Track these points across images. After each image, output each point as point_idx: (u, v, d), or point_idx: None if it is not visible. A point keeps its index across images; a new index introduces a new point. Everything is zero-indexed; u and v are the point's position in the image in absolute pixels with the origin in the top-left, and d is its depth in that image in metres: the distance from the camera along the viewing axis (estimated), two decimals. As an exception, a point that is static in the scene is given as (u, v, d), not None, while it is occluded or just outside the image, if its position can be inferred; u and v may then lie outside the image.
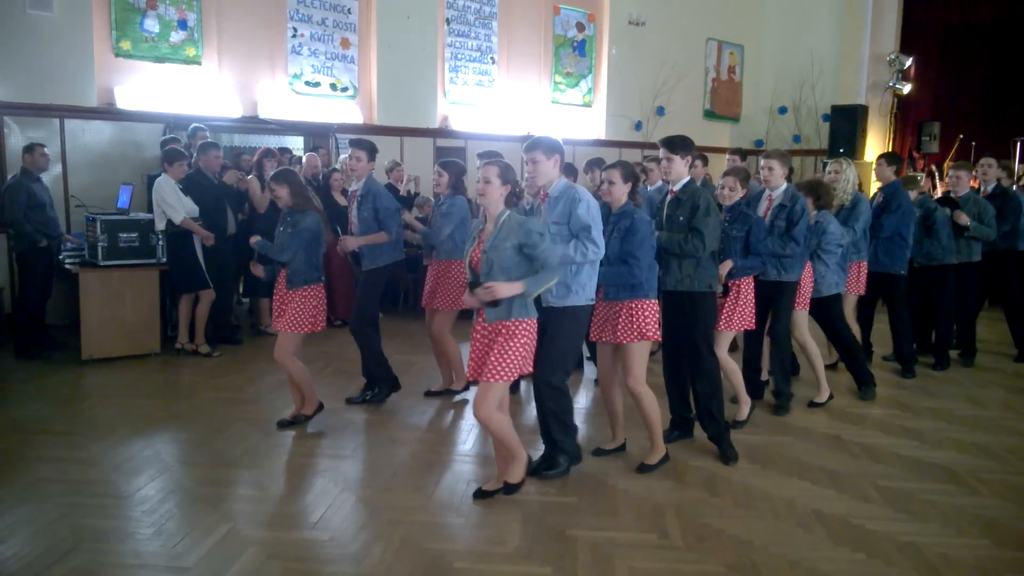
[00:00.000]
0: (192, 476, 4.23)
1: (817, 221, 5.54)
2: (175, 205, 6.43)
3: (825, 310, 5.78)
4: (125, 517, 3.73)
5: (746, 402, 5.18)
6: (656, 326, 4.23)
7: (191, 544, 3.47)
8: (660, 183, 5.88)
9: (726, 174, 5.05)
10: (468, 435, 5.06)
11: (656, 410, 4.34)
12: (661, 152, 4.53)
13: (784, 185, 5.25)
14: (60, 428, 4.92)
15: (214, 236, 6.64)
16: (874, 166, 6.51)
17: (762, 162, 5.35)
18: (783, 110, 13.44)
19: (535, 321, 3.81)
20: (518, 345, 3.73)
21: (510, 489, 3.99)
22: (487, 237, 3.75)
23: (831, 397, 5.72)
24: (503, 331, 3.73)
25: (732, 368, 5.04)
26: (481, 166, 3.82)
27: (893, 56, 13.00)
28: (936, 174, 11.37)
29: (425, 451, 4.70)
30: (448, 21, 10.48)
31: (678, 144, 4.47)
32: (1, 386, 5.83)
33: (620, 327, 4.19)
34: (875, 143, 13.04)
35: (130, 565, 3.31)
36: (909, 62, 13.09)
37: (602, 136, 12.14)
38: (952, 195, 6.77)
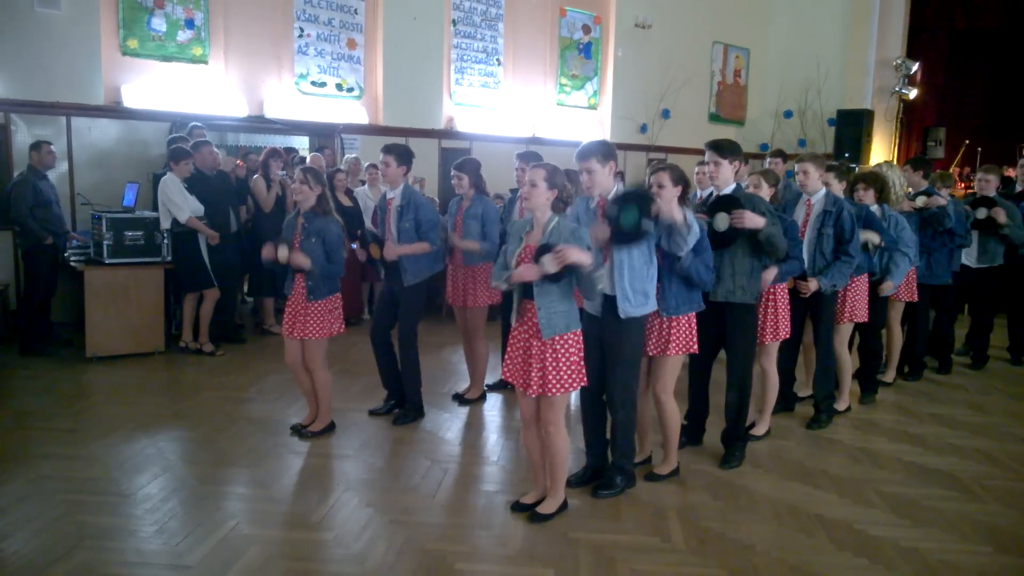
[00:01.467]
0: (195, 474, 4.24)
1: (890, 215, 5.52)
2: (180, 204, 6.44)
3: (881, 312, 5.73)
4: (127, 515, 3.74)
5: (767, 422, 5.08)
6: (697, 339, 4.17)
7: (194, 543, 3.48)
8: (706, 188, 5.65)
9: (751, 173, 4.92)
10: (474, 437, 5.06)
11: (677, 422, 4.31)
12: (707, 156, 4.42)
13: (823, 189, 5.05)
14: (63, 425, 4.93)
15: (218, 235, 6.65)
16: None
17: (796, 166, 5.15)
18: (789, 114, 13.42)
19: (580, 333, 3.66)
20: (567, 356, 3.59)
21: (541, 518, 3.78)
22: (534, 242, 3.60)
23: (848, 408, 5.69)
24: (550, 344, 3.56)
25: (774, 383, 4.98)
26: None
27: (899, 61, 12.99)
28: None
29: (428, 452, 4.70)
30: (454, 22, 10.49)
31: (726, 148, 4.36)
32: (5, 382, 5.85)
33: (674, 339, 4.08)
34: (881, 148, 13.03)
35: (132, 563, 3.31)
36: (915, 67, 13.08)
37: (607, 138, 12.12)
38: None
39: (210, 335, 6.78)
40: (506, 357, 3.76)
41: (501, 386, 5.94)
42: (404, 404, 5.31)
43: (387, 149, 5.07)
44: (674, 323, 4.08)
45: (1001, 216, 6.50)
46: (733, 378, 4.55)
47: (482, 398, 5.72)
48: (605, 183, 3.88)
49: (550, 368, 3.56)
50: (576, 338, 3.62)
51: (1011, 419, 5.65)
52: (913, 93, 13.24)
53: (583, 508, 3.94)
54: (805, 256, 4.94)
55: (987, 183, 6.82)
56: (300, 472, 4.37)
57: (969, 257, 6.89)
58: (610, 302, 3.88)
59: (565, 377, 3.58)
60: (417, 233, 5.01)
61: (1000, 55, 15.15)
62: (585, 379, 3.68)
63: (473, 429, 5.20)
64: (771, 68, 13.95)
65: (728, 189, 4.38)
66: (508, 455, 4.71)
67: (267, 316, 7.65)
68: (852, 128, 12.54)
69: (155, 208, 6.69)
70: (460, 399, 5.68)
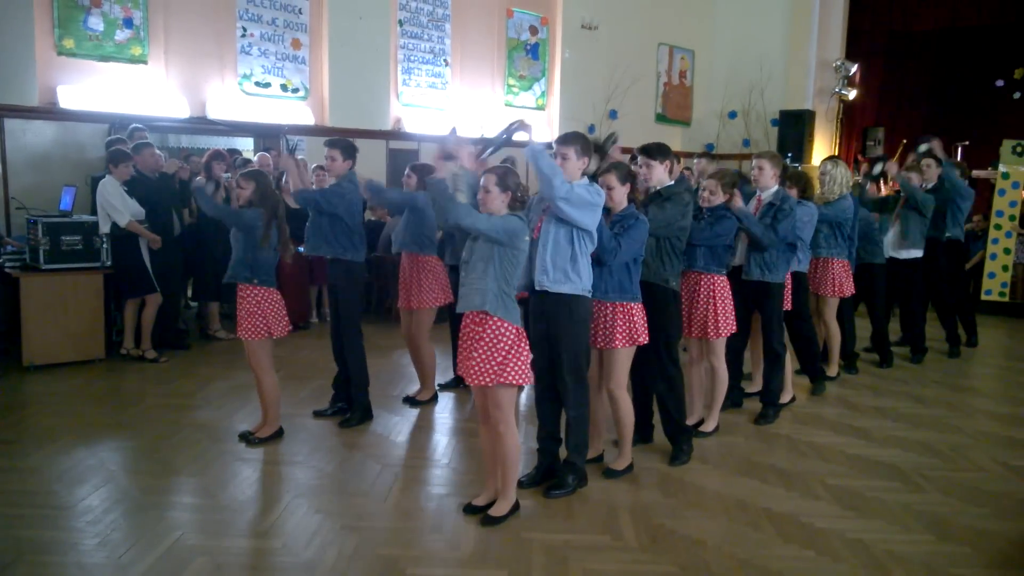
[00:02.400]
0: (138, 485, 4.13)
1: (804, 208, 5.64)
2: (120, 207, 6.27)
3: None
4: (68, 528, 3.62)
5: (715, 418, 5.12)
6: (647, 330, 4.20)
7: (137, 555, 3.38)
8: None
9: (710, 176, 4.97)
10: (425, 440, 5.02)
11: (631, 417, 4.32)
12: (639, 160, 4.52)
13: (775, 187, 5.17)
14: (0, 436, 4.75)
15: (160, 239, 6.49)
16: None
17: (753, 161, 5.28)
18: (733, 115, 13.65)
19: (520, 329, 3.62)
20: (505, 346, 3.56)
21: (493, 521, 3.75)
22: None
23: (793, 399, 5.80)
24: (486, 327, 3.55)
25: (723, 379, 5.03)
26: (482, 175, 3.67)
27: (839, 63, 13.30)
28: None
29: (379, 456, 4.65)
30: (401, 23, 10.42)
31: (654, 150, 4.48)
32: (-64, 395, 5.62)
33: (619, 331, 4.10)
34: (822, 148, 13.33)
35: (73, 578, 3.21)
36: (854, 68, 13.41)
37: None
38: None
39: (153, 341, 6.61)
40: (459, 354, 3.75)
41: (453, 385, 5.93)
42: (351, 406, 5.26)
43: (332, 143, 5.05)
44: (618, 313, 4.09)
45: (893, 168, 6.77)
46: (661, 368, 4.53)
47: (434, 399, 5.68)
48: (573, 174, 3.85)
49: (487, 356, 3.54)
50: (513, 332, 3.58)
51: (951, 411, 5.82)
52: (852, 94, 13.58)
53: (535, 508, 3.94)
54: (744, 248, 5.18)
55: (909, 180, 7.01)
56: (248, 479, 4.28)
57: (892, 247, 7.05)
58: (545, 297, 3.90)
59: (505, 369, 3.55)
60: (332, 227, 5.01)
61: (936, 56, 15.62)
62: (531, 378, 3.67)
63: (423, 431, 5.16)
64: (716, 69, 14.17)
65: (663, 186, 4.49)
66: (459, 457, 4.69)
67: (212, 321, 7.49)
68: (794, 128, 12.83)
69: (94, 212, 6.50)
70: (412, 401, 5.64)
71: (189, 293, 8.11)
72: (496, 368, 3.56)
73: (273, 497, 4.04)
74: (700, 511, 3.99)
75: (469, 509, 3.88)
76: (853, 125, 14.22)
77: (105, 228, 6.33)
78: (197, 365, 6.54)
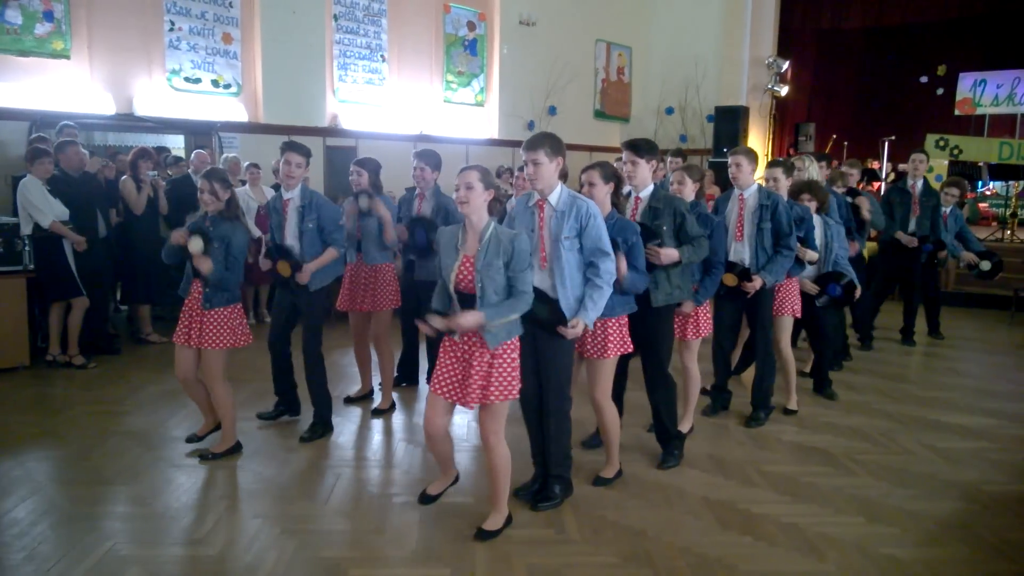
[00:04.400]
0: (67, 495, 3.98)
1: (830, 223, 5.56)
2: (42, 207, 6.03)
3: (825, 314, 5.77)
4: (-10, 543, 3.47)
5: (690, 418, 5.03)
6: (625, 341, 4.06)
7: (67, 567, 3.26)
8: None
9: (676, 169, 4.81)
10: (364, 440, 4.97)
11: (617, 425, 4.22)
12: (624, 156, 4.28)
13: (755, 184, 4.98)
14: (-85, 451, 4.54)
15: (85, 240, 6.27)
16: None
17: (729, 159, 5.02)
18: (670, 111, 13.86)
19: (518, 339, 3.52)
20: (509, 363, 3.43)
21: (488, 535, 3.60)
22: (475, 254, 3.37)
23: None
24: (492, 351, 3.39)
25: (695, 379, 4.96)
26: (460, 171, 3.45)
27: (771, 60, 13.62)
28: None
29: (320, 458, 4.58)
30: (336, 17, 10.27)
31: (643, 147, 4.25)
32: None
33: (594, 342, 3.98)
34: (756, 143, 13.64)
35: (-4, 595, 3.08)
36: (786, 66, 13.75)
37: (495, 135, 12.19)
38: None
39: (81, 346, 6.38)
40: (437, 370, 3.52)
41: (395, 383, 5.87)
42: (298, 413, 5.19)
43: (294, 147, 4.70)
44: (610, 325, 3.96)
45: (865, 204, 6.93)
46: (658, 378, 4.41)
47: (392, 407, 5.55)
48: (550, 179, 3.65)
49: (494, 377, 3.40)
50: (516, 344, 3.48)
51: (880, 396, 6.02)
52: (784, 90, 13.92)
53: (478, 505, 3.92)
54: (746, 253, 4.93)
55: (850, 176, 7.25)
56: (182, 486, 4.15)
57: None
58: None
59: (506, 384, 3.43)
60: (321, 236, 4.74)
61: (863, 54, 16.13)
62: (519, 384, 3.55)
63: (366, 432, 5.11)
64: (653, 66, 14.36)
65: (647, 191, 4.30)
66: (403, 457, 4.65)
67: (144, 324, 7.27)
68: (729, 124, 13.09)
69: (15, 213, 6.24)
70: (376, 411, 5.47)
71: (118, 296, 7.85)
72: (504, 385, 3.43)
73: (209, 503, 3.93)
74: (641, 502, 4.03)
75: (425, 499, 3.87)
76: (785, 121, 14.60)
77: (27, 229, 6.08)
78: (128, 370, 6.34)
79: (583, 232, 3.63)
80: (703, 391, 5.70)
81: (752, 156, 5.00)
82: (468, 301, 3.38)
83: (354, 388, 5.78)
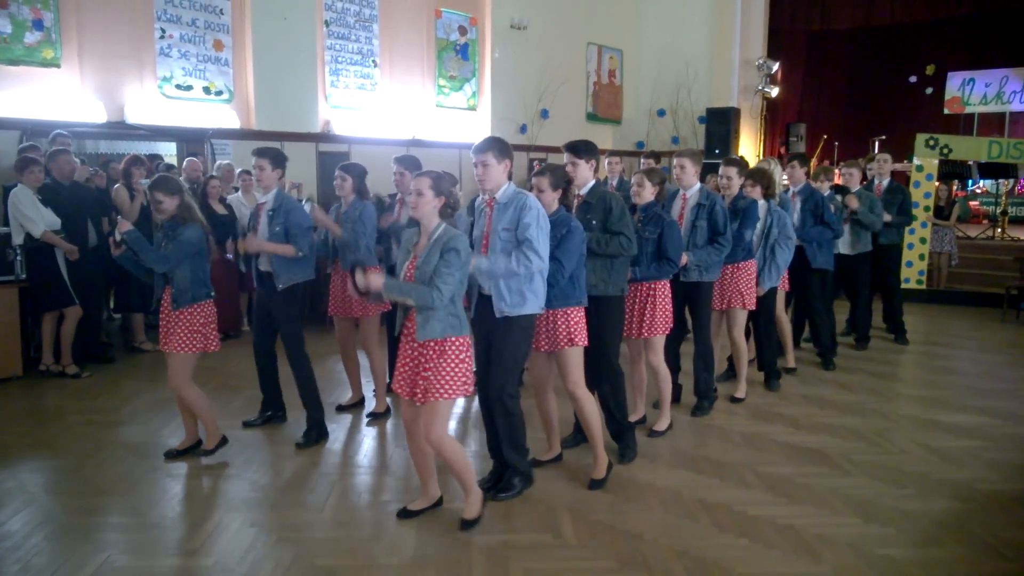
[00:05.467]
0: (62, 506, 3.96)
1: (774, 210, 5.76)
2: (33, 217, 6.01)
3: (768, 304, 5.95)
4: (-16, 556, 3.45)
5: (667, 416, 5.13)
6: (585, 332, 4.18)
7: (60, 580, 3.25)
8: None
9: (637, 171, 4.99)
10: (358, 446, 4.96)
11: (597, 416, 4.29)
12: (565, 157, 4.48)
13: (697, 184, 5.24)
14: (-93, 463, 4.51)
15: (77, 249, 6.25)
16: (786, 168, 6.80)
17: (674, 160, 5.26)
18: (662, 113, 13.89)
19: (468, 339, 3.60)
20: (451, 362, 3.52)
21: (468, 525, 3.73)
22: (420, 252, 3.55)
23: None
24: (433, 348, 3.51)
25: (665, 376, 5.03)
26: (413, 177, 3.59)
27: (761, 61, 13.66)
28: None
29: (314, 465, 4.57)
30: (327, 23, 10.26)
31: (582, 148, 4.44)
32: None
33: (559, 334, 4.10)
34: (748, 144, 13.68)
35: (-10, 608, 3.06)
36: (776, 67, 13.79)
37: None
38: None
39: (74, 356, 6.36)
40: (396, 368, 3.69)
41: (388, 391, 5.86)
42: (284, 418, 5.17)
43: (260, 152, 4.86)
44: (570, 316, 4.10)
45: (853, 203, 6.98)
46: (604, 370, 4.53)
47: (388, 412, 5.53)
48: (498, 179, 3.84)
49: (432, 373, 3.51)
50: (460, 344, 3.55)
51: (874, 396, 6.03)
52: (775, 91, 13.96)
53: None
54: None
55: (851, 176, 7.32)
56: (177, 496, 4.15)
57: (844, 246, 7.29)
58: (488, 301, 3.88)
59: (446, 383, 3.51)
60: (286, 239, 4.80)
61: (852, 54, 16.20)
62: (472, 387, 3.63)
63: (360, 438, 5.10)
64: (644, 68, 14.39)
65: (587, 187, 4.46)
66: (397, 462, 4.64)
67: (137, 332, 7.25)
68: (720, 125, 13.12)
69: (6, 223, 6.22)
70: (372, 416, 5.47)
71: (112, 304, 7.83)
72: (444, 384, 3.52)
73: (205, 513, 3.92)
74: (637, 505, 4.04)
75: (404, 514, 3.86)
76: (776, 121, 14.65)
77: (18, 239, 6.06)
78: (121, 379, 6.32)
79: (519, 224, 3.79)
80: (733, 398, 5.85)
81: (697, 158, 5.26)
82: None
83: (347, 396, 5.76)
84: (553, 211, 4.09)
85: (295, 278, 4.89)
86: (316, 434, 4.94)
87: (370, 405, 5.63)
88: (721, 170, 5.71)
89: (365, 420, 5.43)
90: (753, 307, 5.69)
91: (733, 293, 5.60)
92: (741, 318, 5.70)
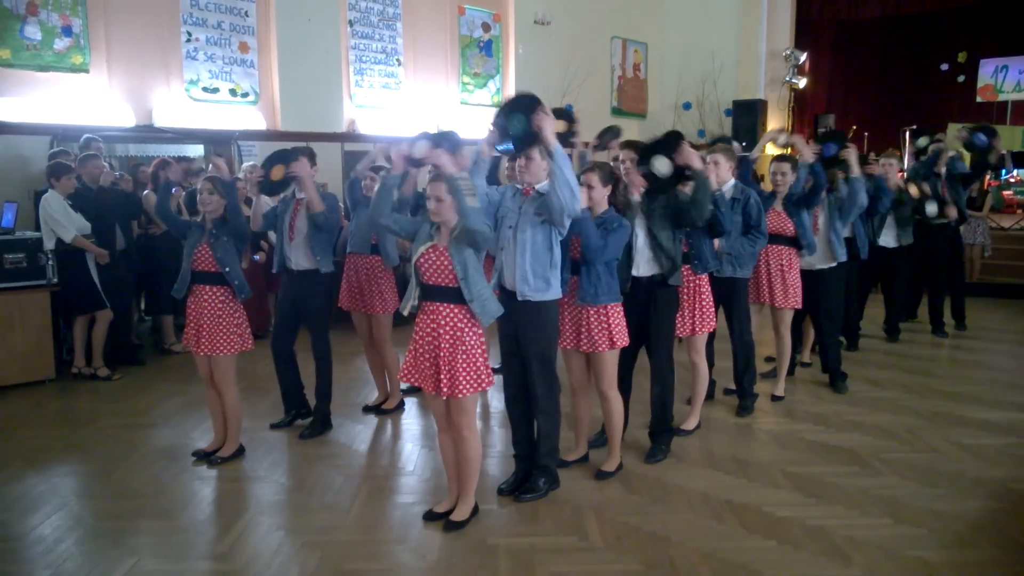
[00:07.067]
0: (92, 510, 4.02)
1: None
2: (64, 222, 6.10)
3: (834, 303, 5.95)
4: (19, 560, 3.51)
5: (697, 415, 5.07)
6: (626, 332, 4.17)
7: (92, 583, 3.29)
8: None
9: (585, 169, 4.64)
10: (388, 448, 4.98)
11: (621, 416, 4.31)
12: (622, 154, 4.55)
13: (731, 180, 5.15)
14: (-55, 466, 4.61)
15: (107, 253, 6.34)
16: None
17: (707, 157, 5.05)
18: (688, 106, 13.76)
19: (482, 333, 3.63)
20: (477, 354, 3.56)
21: (455, 526, 3.74)
22: (447, 247, 3.55)
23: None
24: (459, 343, 3.52)
25: (704, 375, 5.01)
26: (430, 183, 3.59)
27: (788, 52, 13.49)
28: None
29: (342, 468, 4.59)
30: (351, 23, 10.30)
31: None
32: None
33: (598, 335, 4.08)
34: (775, 136, 13.49)
35: (24, 611, 3.11)
36: (803, 57, 13.61)
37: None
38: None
39: (105, 358, 6.45)
40: (407, 359, 3.68)
41: (415, 390, 5.87)
42: (310, 415, 5.22)
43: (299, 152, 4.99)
44: (605, 314, 4.07)
45: (952, 212, 6.88)
46: (657, 371, 4.51)
47: (400, 407, 5.61)
48: (539, 173, 3.93)
49: (460, 368, 3.52)
50: (480, 337, 3.60)
51: (906, 393, 5.93)
52: (803, 82, 13.78)
53: (500, 512, 3.92)
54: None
55: (891, 167, 7.07)
56: (207, 499, 4.19)
57: (888, 239, 7.16)
58: (511, 296, 3.88)
59: (473, 377, 3.54)
60: (319, 229, 4.93)
61: (882, 43, 15.91)
62: (492, 379, 3.65)
63: (386, 439, 5.12)
64: (669, 62, 14.27)
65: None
66: (424, 464, 4.65)
67: (167, 335, 7.34)
68: (747, 118, 12.99)
69: (37, 228, 6.32)
70: (377, 410, 5.56)
71: (143, 307, 7.93)
72: (472, 378, 3.54)
73: (233, 516, 3.96)
74: (664, 506, 4.00)
75: (430, 516, 3.86)
76: (804, 113, 14.46)
77: (50, 244, 6.16)
78: (152, 381, 6.40)
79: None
80: (727, 391, 5.72)
81: (730, 154, 5.20)
82: (423, 289, 3.59)
83: (373, 396, 5.78)
84: (603, 209, 4.08)
85: (325, 258, 5.00)
86: (320, 426, 5.09)
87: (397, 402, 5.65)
88: (774, 166, 5.53)
89: (373, 414, 5.53)
90: (799, 306, 5.54)
91: (783, 289, 5.47)
92: (789, 315, 5.61)
